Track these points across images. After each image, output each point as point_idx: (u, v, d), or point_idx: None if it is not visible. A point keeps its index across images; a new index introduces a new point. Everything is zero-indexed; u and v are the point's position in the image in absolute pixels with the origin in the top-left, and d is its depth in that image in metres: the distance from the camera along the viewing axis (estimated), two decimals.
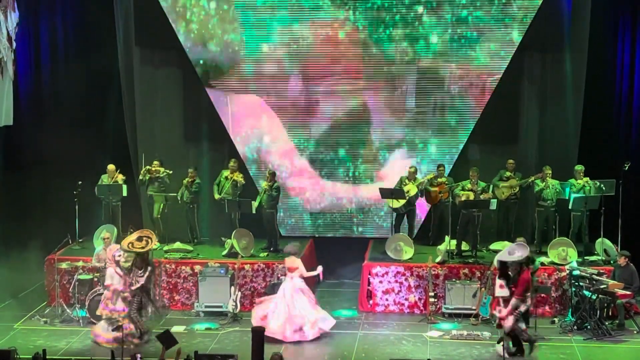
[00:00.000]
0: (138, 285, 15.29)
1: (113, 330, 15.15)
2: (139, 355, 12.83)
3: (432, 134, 19.16)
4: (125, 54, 19.48)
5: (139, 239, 15.49)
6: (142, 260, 15.43)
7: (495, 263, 15.02)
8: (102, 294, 15.95)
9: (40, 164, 18.94)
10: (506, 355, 14.21)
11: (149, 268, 15.41)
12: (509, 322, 14.53)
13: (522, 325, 14.67)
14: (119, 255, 15.52)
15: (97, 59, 19.55)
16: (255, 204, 17.95)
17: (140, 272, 15.34)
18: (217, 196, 18.45)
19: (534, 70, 18.95)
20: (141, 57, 19.48)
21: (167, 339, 12.94)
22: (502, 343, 14.03)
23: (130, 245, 15.38)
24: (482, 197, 17.57)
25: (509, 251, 14.85)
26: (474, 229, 17.58)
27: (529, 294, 14.65)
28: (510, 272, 14.67)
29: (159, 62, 19.57)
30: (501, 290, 14.68)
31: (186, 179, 18.48)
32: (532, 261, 15.70)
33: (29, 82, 19.33)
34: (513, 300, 14.49)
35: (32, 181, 18.95)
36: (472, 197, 17.52)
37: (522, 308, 14.59)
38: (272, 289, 16.91)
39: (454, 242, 17.57)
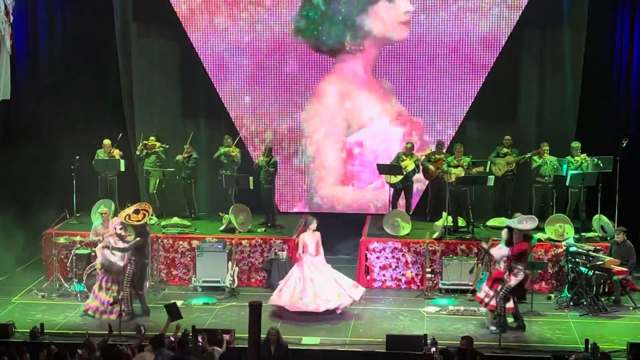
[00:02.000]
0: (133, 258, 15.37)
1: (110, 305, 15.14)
2: (142, 327, 12.89)
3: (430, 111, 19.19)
4: (123, 29, 19.39)
5: (136, 211, 15.56)
6: (138, 233, 15.49)
7: (503, 233, 15.08)
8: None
9: (37, 138, 18.89)
10: (492, 327, 14.62)
11: (138, 238, 15.41)
12: (493, 302, 14.66)
13: (508, 304, 14.74)
14: (120, 229, 15.51)
15: (95, 34, 19.54)
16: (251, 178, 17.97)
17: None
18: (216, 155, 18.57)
19: (533, 46, 18.89)
20: (139, 32, 19.40)
21: (173, 311, 12.97)
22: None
23: (127, 217, 15.46)
24: (471, 172, 17.54)
25: (519, 220, 15.04)
26: (465, 204, 17.58)
27: (520, 265, 14.71)
28: (514, 240, 14.78)
29: (157, 37, 19.48)
30: (499, 251, 14.83)
31: (181, 155, 18.46)
32: (529, 238, 15.71)
33: (26, 56, 19.25)
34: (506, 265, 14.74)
35: (30, 155, 18.89)
36: (461, 173, 17.47)
37: (512, 281, 14.67)
38: (270, 264, 16.94)
39: (451, 218, 17.57)
